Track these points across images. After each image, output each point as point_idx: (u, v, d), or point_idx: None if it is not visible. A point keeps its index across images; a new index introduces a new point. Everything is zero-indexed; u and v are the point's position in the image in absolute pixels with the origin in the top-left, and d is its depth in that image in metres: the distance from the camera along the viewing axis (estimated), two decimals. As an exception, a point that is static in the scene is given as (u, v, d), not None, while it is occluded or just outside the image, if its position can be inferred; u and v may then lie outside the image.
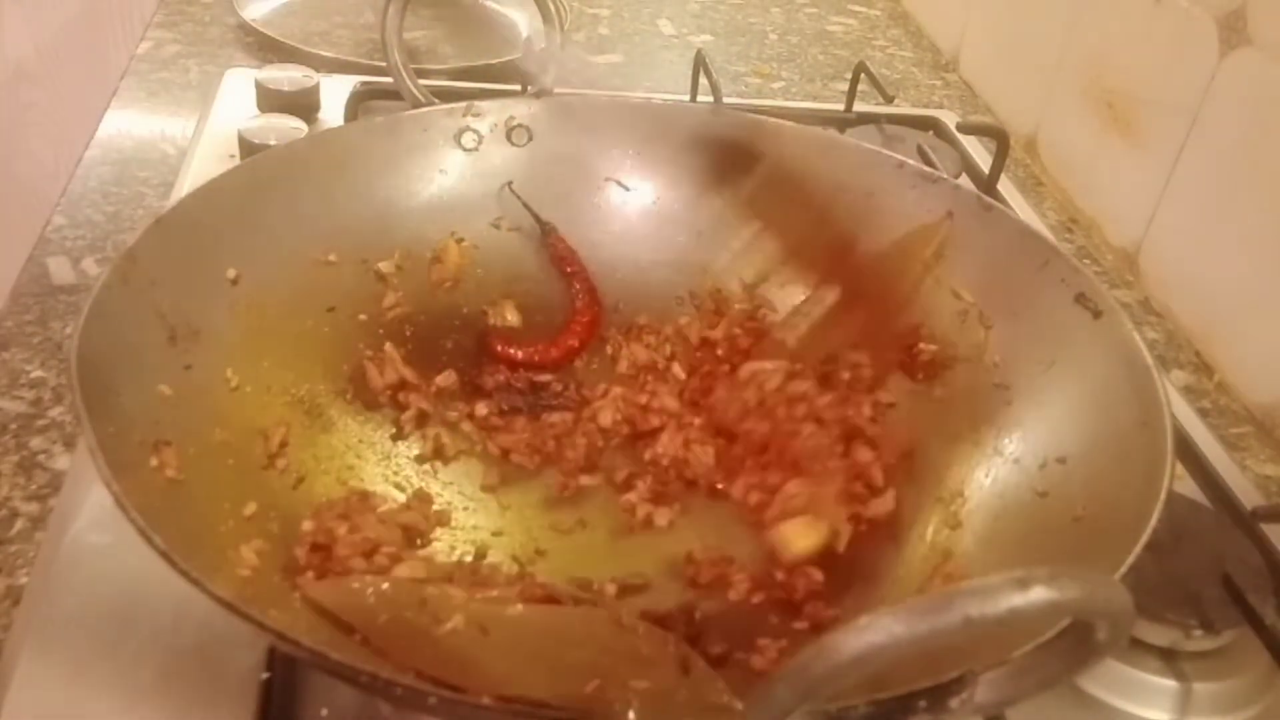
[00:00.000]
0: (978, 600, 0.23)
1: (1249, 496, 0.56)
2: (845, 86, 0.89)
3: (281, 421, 0.46)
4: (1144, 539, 0.35)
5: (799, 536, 0.45)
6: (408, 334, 0.53)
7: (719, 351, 0.54)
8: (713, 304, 0.57)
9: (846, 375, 0.51)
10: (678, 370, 0.54)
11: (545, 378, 0.53)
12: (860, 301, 0.53)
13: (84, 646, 0.43)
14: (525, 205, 0.56)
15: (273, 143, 0.70)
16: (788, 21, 1.13)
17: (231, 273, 0.48)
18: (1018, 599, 0.23)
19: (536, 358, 0.54)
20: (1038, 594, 0.23)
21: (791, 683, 0.24)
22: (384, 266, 0.53)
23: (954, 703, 0.30)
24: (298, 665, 0.43)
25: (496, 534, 0.47)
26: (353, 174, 0.53)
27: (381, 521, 0.44)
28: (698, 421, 0.51)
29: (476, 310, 0.55)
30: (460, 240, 0.55)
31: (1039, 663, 0.30)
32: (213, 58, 0.92)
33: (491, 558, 0.45)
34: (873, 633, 0.23)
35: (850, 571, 0.45)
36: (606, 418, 0.51)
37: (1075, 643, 0.29)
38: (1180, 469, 0.55)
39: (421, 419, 0.50)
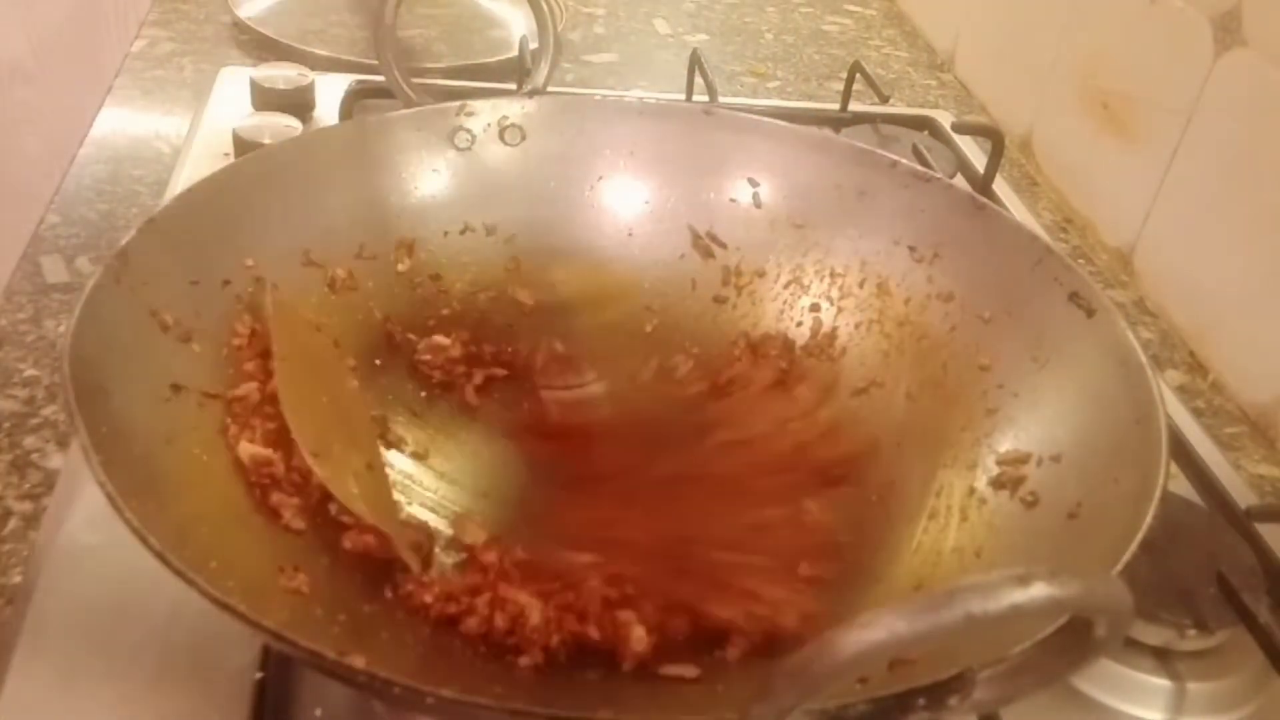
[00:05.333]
0: (979, 597, 0.23)
1: (1243, 496, 0.56)
2: (840, 86, 0.89)
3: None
4: (1139, 537, 0.35)
5: None
6: (399, 332, 0.53)
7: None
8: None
9: None
10: None
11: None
12: None
13: (77, 646, 0.43)
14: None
15: (267, 141, 0.70)
16: (783, 21, 1.13)
17: (224, 273, 0.47)
18: (1019, 595, 0.23)
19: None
20: (1038, 590, 0.23)
21: (792, 680, 0.24)
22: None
23: (952, 701, 0.30)
24: (292, 665, 0.42)
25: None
26: (346, 173, 0.53)
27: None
28: None
29: (459, 311, 0.55)
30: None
31: (1037, 660, 0.30)
32: (207, 56, 0.92)
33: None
34: (874, 630, 0.23)
35: (846, 572, 0.45)
36: None
37: (1073, 640, 0.29)
38: (1174, 468, 0.55)
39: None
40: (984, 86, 1.00)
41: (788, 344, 0.55)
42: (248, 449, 0.43)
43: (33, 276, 0.65)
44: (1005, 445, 0.46)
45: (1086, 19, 0.83)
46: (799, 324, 0.55)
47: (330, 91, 0.81)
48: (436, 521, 0.46)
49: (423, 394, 0.52)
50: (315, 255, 0.51)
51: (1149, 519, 0.36)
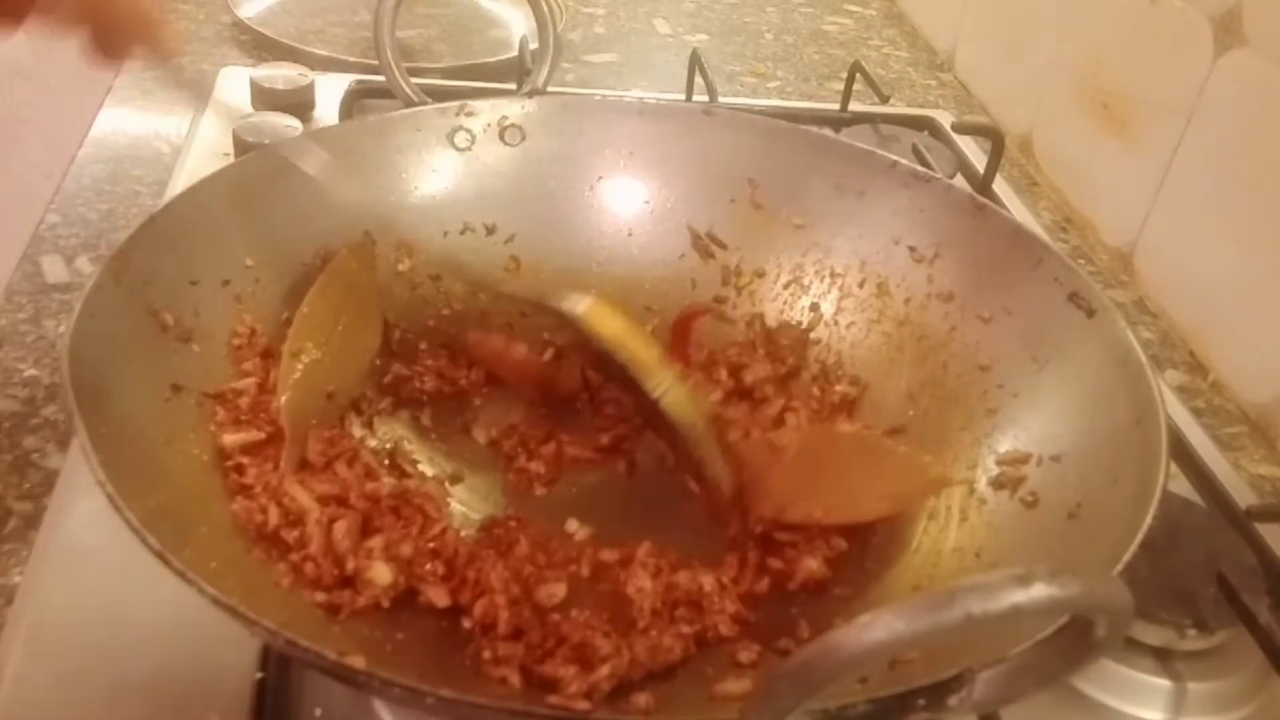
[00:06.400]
0: (979, 597, 0.23)
1: (1243, 496, 0.56)
2: (841, 86, 0.89)
3: (275, 421, 0.46)
4: (1139, 537, 0.35)
5: None
6: (397, 334, 0.53)
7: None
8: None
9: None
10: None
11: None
12: None
13: (77, 646, 0.43)
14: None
15: (267, 141, 0.70)
16: (783, 21, 1.13)
17: (224, 273, 0.47)
18: (1019, 595, 0.23)
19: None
20: (1039, 590, 0.23)
21: (793, 681, 0.24)
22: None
23: (953, 701, 0.30)
24: (291, 665, 0.43)
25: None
26: (345, 173, 0.53)
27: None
28: None
29: (459, 312, 0.55)
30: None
31: (1037, 660, 0.30)
32: (207, 56, 0.92)
33: None
34: (874, 630, 0.23)
35: (847, 571, 0.45)
36: None
37: (1074, 640, 0.28)
38: (1174, 468, 0.55)
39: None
40: (984, 87, 1.00)
41: (800, 337, 0.55)
42: (230, 438, 0.43)
43: (33, 276, 0.65)
44: (1005, 445, 0.46)
45: (1086, 19, 0.83)
46: (799, 324, 0.55)
47: (330, 91, 0.81)
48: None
49: (423, 394, 0.52)
50: (313, 256, 0.51)
51: (1149, 519, 0.36)
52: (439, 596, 0.41)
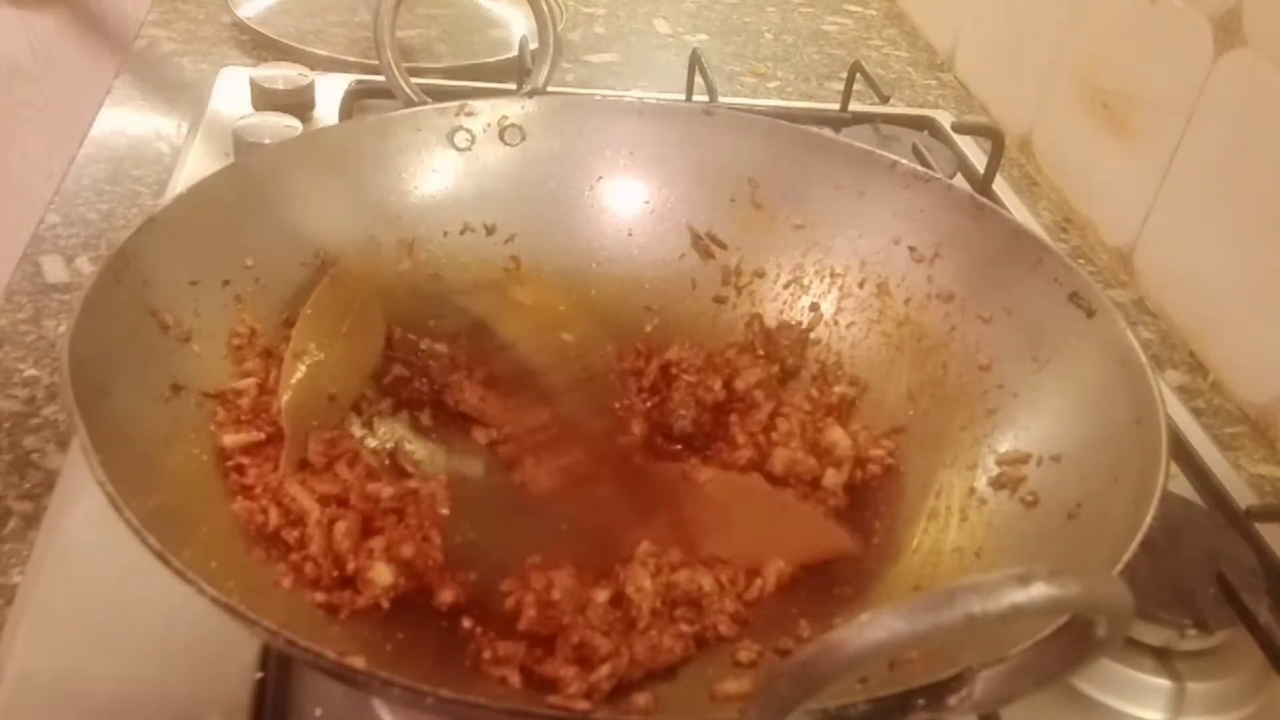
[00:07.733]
0: (979, 597, 0.23)
1: (1243, 496, 0.56)
2: (841, 86, 0.89)
3: (275, 421, 0.46)
4: (1139, 536, 0.35)
5: None
6: (397, 334, 0.53)
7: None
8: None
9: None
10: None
11: None
12: None
13: (76, 646, 0.43)
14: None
15: (267, 141, 0.70)
16: (783, 21, 1.13)
17: (224, 273, 0.47)
18: (1019, 595, 0.23)
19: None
20: (1039, 590, 0.23)
21: (793, 681, 0.24)
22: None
23: (952, 700, 0.30)
24: (292, 665, 0.43)
25: None
26: (345, 173, 0.53)
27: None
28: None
29: (456, 309, 0.55)
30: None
31: (1037, 660, 0.30)
32: (207, 56, 0.92)
33: None
34: (874, 630, 0.23)
35: (847, 571, 0.45)
36: None
37: (1074, 640, 0.28)
38: (1174, 468, 0.55)
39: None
40: (984, 87, 1.00)
41: (800, 337, 0.55)
42: (230, 438, 0.43)
43: (33, 276, 0.65)
44: (1005, 445, 0.46)
45: (1086, 19, 0.83)
46: (798, 324, 0.55)
47: (330, 91, 0.81)
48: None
49: (423, 395, 0.52)
50: (313, 257, 0.51)
51: (1149, 519, 0.36)
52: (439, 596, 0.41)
